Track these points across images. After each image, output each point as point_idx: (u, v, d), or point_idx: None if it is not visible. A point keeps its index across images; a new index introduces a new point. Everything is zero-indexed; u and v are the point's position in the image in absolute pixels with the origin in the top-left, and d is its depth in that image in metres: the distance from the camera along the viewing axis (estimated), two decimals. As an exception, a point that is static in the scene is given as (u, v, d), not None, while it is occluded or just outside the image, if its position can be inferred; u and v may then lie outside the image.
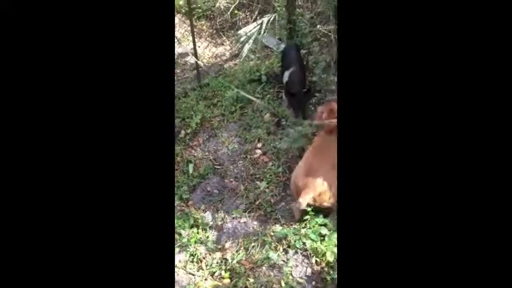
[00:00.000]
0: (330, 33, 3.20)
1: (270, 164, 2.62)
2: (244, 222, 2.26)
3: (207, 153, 2.80)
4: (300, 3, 3.59)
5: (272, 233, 2.10)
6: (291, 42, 3.30)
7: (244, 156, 2.73)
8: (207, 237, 2.18)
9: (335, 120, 2.12)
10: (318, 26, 3.39)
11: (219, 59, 3.82)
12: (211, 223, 2.29)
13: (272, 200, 2.39)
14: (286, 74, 2.93)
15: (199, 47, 3.62)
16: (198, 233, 2.20)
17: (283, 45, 3.39)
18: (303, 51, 3.22)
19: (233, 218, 2.29)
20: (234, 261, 1.98)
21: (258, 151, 2.75)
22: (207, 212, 2.37)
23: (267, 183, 2.48)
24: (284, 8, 3.39)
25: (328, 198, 2.05)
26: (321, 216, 2.07)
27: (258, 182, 2.51)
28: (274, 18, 3.41)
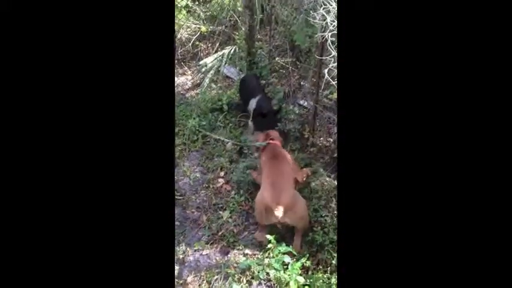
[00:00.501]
0: (287, 65, 3.35)
1: (233, 192, 2.61)
2: (206, 254, 2.20)
3: (168, 184, 2.73)
4: (259, 36, 3.75)
5: (235, 265, 2.06)
6: (250, 73, 3.41)
7: (207, 185, 2.70)
8: (168, 272, 2.09)
9: (270, 140, 2.57)
10: (277, 58, 3.54)
11: (180, 88, 3.82)
12: (172, 257, 2.20)
13: (235, 230, 2.36)
14: (253, 101, 3.02)
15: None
16: (158, 268, 2.10)
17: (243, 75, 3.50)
18: (262, 82, 3.33)
19: (195, 251, 2.23)
20: (196, 297, 1.91)
21: (221, 180, 2.73)
22: (168, 246, 2.29)
23: (230, 213, 2.46)
24: (244, 41, 3.52)
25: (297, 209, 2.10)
26: (284, 244, 2.07)
27: (220, 212, 2.48)
28: (235, 50, 3.52)
